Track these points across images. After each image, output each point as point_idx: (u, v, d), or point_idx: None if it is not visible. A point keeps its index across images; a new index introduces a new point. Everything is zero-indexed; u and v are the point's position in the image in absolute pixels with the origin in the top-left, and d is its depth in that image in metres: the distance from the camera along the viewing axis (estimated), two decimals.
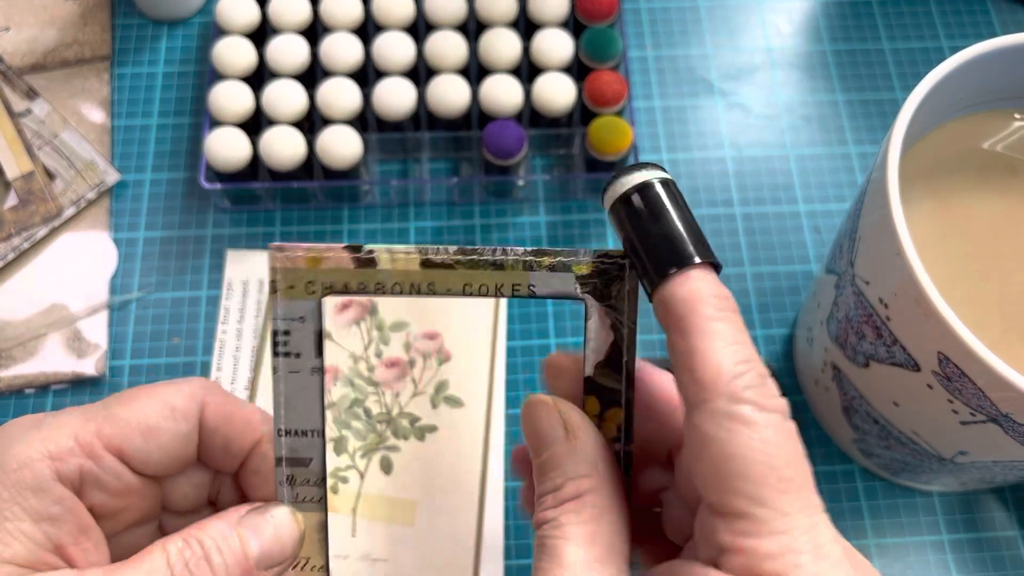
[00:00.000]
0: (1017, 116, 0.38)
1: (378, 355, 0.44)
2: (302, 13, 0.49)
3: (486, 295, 0.24)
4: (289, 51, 0.47)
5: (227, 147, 0.45)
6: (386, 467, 0.42)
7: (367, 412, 0.43)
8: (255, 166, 0.47)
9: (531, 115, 0.49)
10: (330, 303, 0.45)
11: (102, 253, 0.47)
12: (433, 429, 0.43)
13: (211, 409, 0.26)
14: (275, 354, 0.24)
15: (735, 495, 0.20)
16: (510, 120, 0.46)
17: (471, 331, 0.45)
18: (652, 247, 0.22)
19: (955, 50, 0.34)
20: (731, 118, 0.52)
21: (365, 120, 0.48)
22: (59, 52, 0.52)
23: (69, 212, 0.47)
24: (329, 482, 0.42)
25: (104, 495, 0.24)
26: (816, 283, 0.42)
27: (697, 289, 0.22)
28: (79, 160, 0.49)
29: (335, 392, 0.43)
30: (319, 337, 0.24)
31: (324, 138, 0.46)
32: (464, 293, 0.24)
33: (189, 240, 0.48)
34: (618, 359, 0.24)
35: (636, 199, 0.23)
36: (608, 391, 0.24)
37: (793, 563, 0.19)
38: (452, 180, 0.48)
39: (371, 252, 0.23)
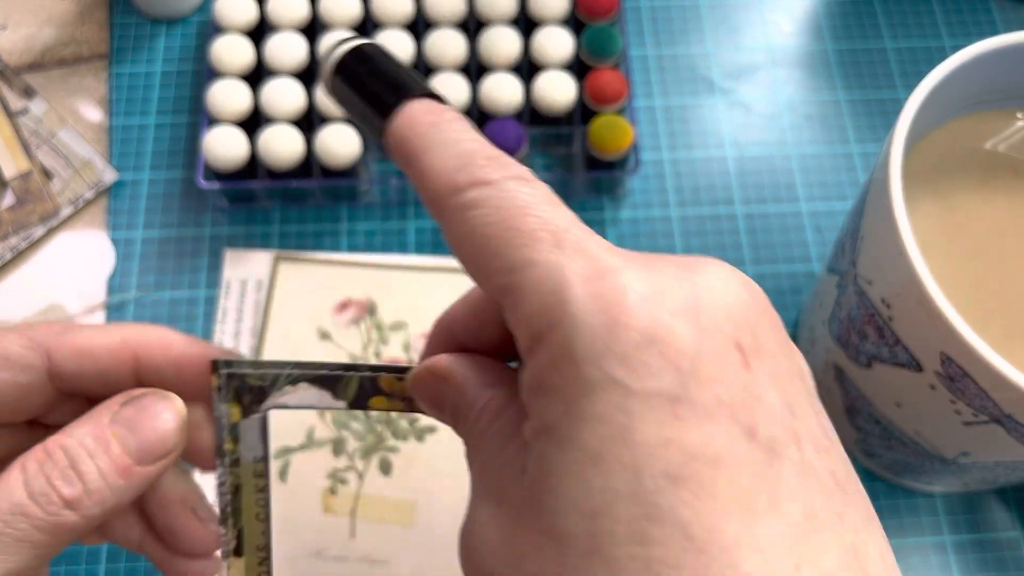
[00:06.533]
0: (1020, 116, 0.38)
1: (377, 355, 0.44)
2: (301, 11, 0.49)
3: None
4: (288, 49, 0.47)
5: (225, 146, 0.45)
6: (385, 468, 0.42)
7: (366, 413, 0.42)
8: (253, 165, 0.47)
9: (531, 113, 0.48)
10: (329, 303, 0.45)
11: (100, 253, 0.47)
12: (432, 430, 0.43)
13: (63, 353, 0.24)
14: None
15: (514, 249, 0.18)
16: (510, 118, 0.46)
17: None
18: (373, 99, 0.23)
19: (957, 49, 0.33)
20: (732, 117, 0.52)
21: None
22: (57, 51, 0.52)
23: (67, 212, 0.47)
24: (328, 483, 0.41)
25: None
26: (818, 283, 0.41)
27: (412, 114, 0.21)
28: (77, 159, 0.48)
29: None
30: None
31: (323, 137, 0.45)
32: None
33: (187, 240, 0.47)
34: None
35: (350, 63, 0.23)
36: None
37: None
38: None
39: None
